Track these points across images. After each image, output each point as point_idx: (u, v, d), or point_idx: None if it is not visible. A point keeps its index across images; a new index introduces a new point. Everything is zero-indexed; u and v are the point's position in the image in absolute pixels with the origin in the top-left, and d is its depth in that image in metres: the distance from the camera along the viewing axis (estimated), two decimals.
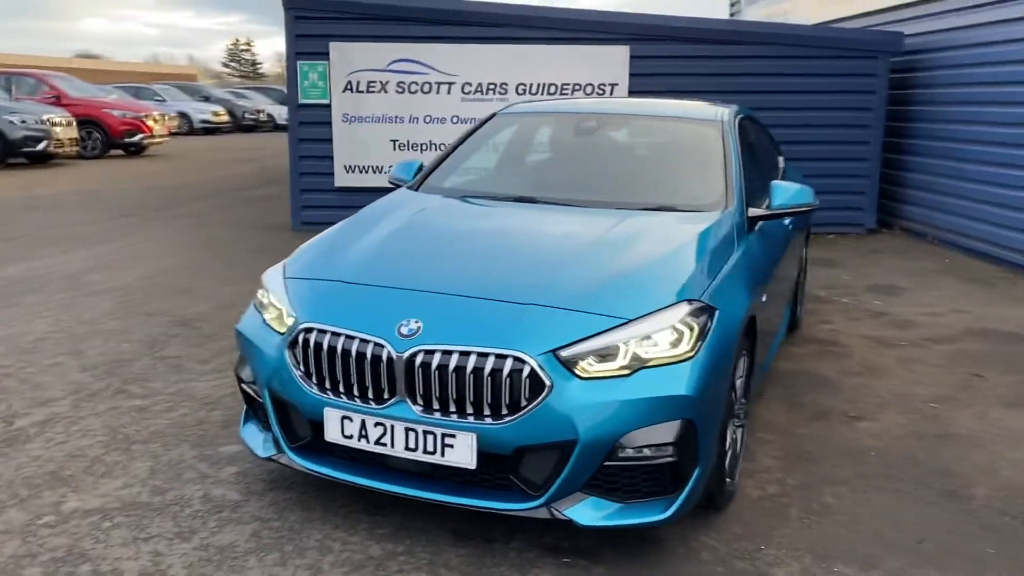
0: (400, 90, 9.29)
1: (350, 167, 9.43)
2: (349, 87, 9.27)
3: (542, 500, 2.75)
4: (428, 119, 9.34)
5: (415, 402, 2.80)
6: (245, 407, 3.45)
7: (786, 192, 3.90)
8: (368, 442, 2.88)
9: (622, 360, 2.75)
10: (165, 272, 7.25)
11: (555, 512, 2.76)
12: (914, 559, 2.95)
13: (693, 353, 2.81)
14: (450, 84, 9.29)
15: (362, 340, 2.87)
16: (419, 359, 2.78)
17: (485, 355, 2.73)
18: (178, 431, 3.95)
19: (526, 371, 2.69)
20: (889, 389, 4.69)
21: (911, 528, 3.17)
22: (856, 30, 9.72)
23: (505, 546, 2.97)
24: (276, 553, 2.92)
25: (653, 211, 3.74)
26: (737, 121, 4.41)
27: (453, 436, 2.75)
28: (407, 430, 2.81)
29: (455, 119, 9.33)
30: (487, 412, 2.73)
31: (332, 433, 2.93)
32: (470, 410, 2.75)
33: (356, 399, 2.89)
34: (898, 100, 9.69)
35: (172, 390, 4.48)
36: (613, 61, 9.27)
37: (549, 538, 3.02)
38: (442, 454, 2.78)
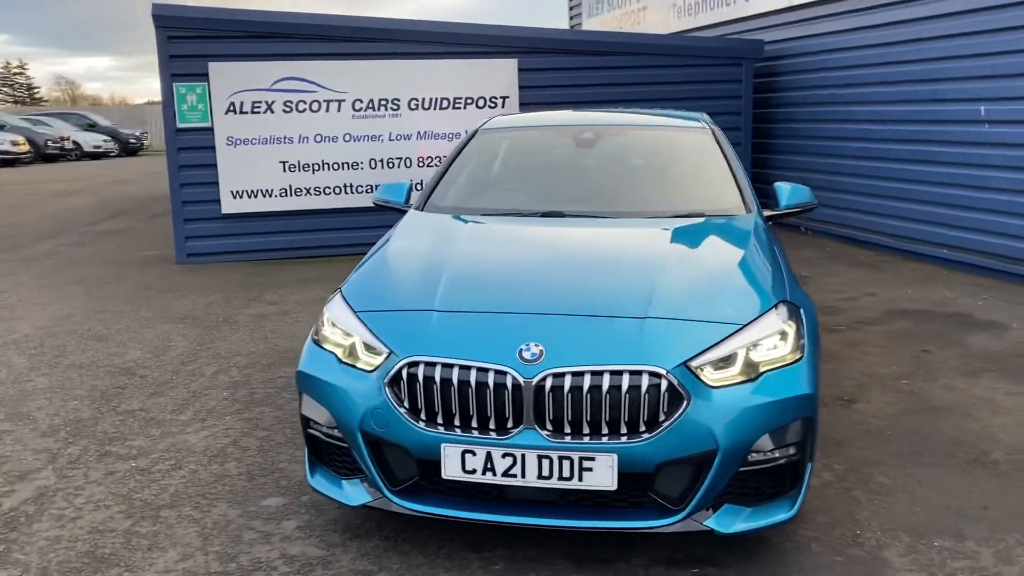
0: (287, 109, 8.91)
1: (238, 192, 8.94)
2: (232, 108, 8.79)
3: (684, 513, 2.75)
4: (319, 138, 9.03)
5: (544, 428, 2.72)
6: (308, 455, 3.21)
7: (791, 192, 4.11)
8: (495, 475, 2.76)
9: (738, 366, 2.80)
10: (67, 319, 6.57)
11: (696, 524, 2.77)
12: (992, 525, 3.19)
13: (802, 353, 2.91)
14: (340, 101, 9.02)
15: (480, 369, 2.75)
16: (548, 383, 2.70)
17: (618, 373, 2.70)
18: (201, 490, 3.60)
19: (663, 385, 2.69)
20: (858, 371, 5.03)
21: (968, 497, 3.43)
22: (723, 39, 10.35)
23: (628, 565, 2.94)
24: None
25: (684, 218, 3.83)
26: (716, 126, 4.60)
27: (592, 459, 2.70)
28: (540, 458, 2.72)
29: (347, 137, 9.08)
30: (623, 431, 2.70)
31: (451, 470, 2.79)
32: (605, 431, 2.70)
33: (476, 431, 2.76)
34: (762, 103, 10.38)
35: (163, 447, 4.08)
36: (502, 74, 9.36)
37: (664, 552, 3.02)
38: (580, 478, 2.72)
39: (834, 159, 9.29)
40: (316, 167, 9.07)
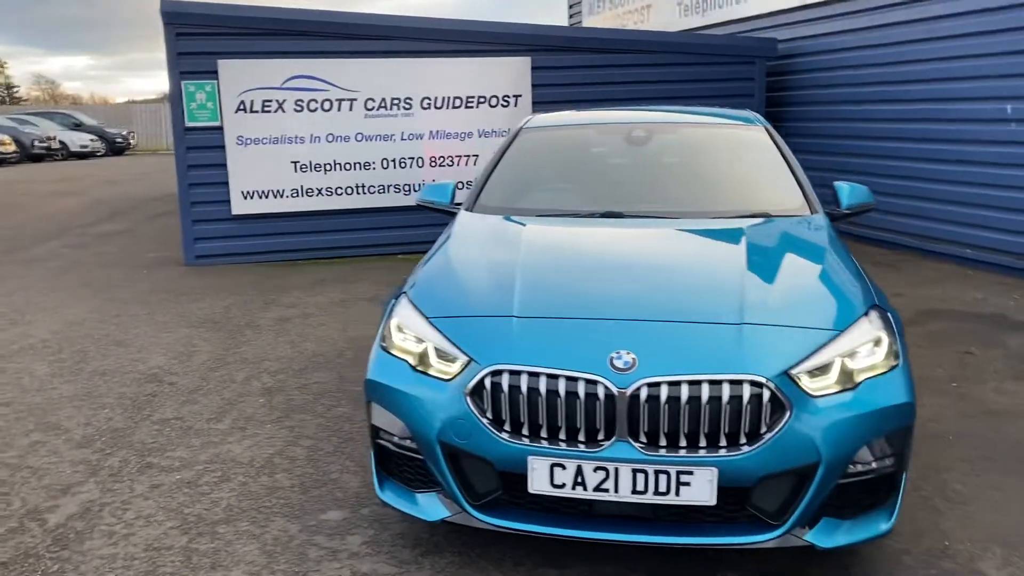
0: (299, 108, 8.74)
1: (248, 193, 8.76)
2: (242, 107, 8.61)
3: (785, 528, 2.64)
4: (331, 138, 8.86)
5: (637, 440, 2.60)
6: (376, 467, 3.07)
7: (852, 193, 4.01)
8: (586, 489, 2.64)
9: (836, 374, 2.69)
10: (82, 323, 6.39)
11: (795, 539, 2.65)
12: None
13: (897, 360, 2.80)
14: (352, 100, 8.87)
15: (569, 378, 2.63)
16: (644, 393, 2.58)
17: (717, 382, 2.58)
18: (255, 503, 3.46)
19: (766, 395, 2.57)
20: None
21: None
22: (736, 36, 10.26)
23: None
24: None
25: (748, 218, 3.72)
26: (769, 124, 4.50)
27: (690, 473, 2.58)
28: (635, 472, 2.59)
29: (359, 136, 8.92)
30: (722, 443, 2.58)
31: (539, 484, 2.66)
32: (702, 443, 2.59)
33: (564, 443, 2.64)
34: (775, 102, 10.31)
35: (206, 457, 3.93)
36: (515, 72, 9.23)
37: (752, 566, 2.91)
38: (676, 493, 2.60)
39: (849, 158, 9.23)
40: (328, 167, 8.91)
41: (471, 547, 3.06)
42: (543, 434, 2.66)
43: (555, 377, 2.64)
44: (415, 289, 3.23)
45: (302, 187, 8.88)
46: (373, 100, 8.91)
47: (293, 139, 8.78)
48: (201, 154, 8.64)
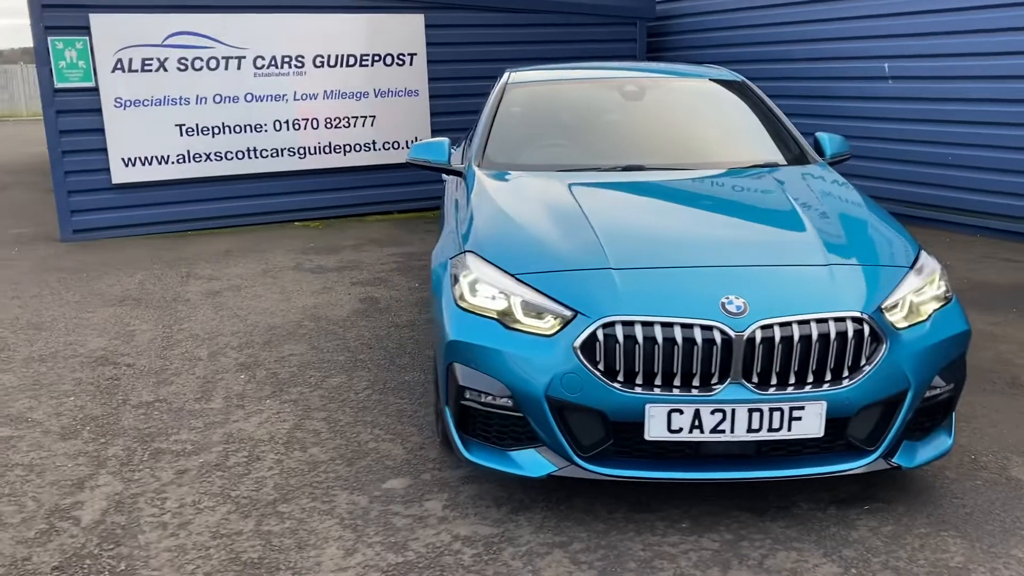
0: (183, 67, 8.14)
1: (130, 160, 8.09)
2: (120, 66, 7.91)
3: (879, 452, 2.83)
4: (218, 99, 8.33)
5: (750, 381, 2.70)
6: (456, 430, 3.00)
7: (830, 142, 4.27)
8: (703, 432, 2.72)
9: (909, 307, 2.91)
10: None
11: (885, 463, 2.86)
12: None
13: (951, 293, 3.06)
14: (240, 58, 8.35)
15: (684, 325, 2.69)
16: (758, 336, 2.68)
17: (823, 321, 2.72)
18: (304, 480, 3.29)
19: (866, 330, 2.74)
20: None
21: None
22: None
23: (803, 509, 3.00)
24: (633, 574, 2.65)
25: (764, 167, 3.88)
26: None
27: (802, 408, 2.71)
28: (751, 411, 2.70)
29: (249, 97, 8.44)
30: (827, 378, 2.73)
31: (656, 430, 2.72)
32: (809, 379, 2.72)
33: (678, 390, 2.70)
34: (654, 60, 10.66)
35: (218, 438, 3.68)
36: (409, 30, 9.01)
37: (826, 493, 3.10)
38: (789, 428, 2.73)
39: None
40: (216, 130, 8.37)
41: (556, 501, 3.07)
42: (657, 382, 2.70)
43: (670, 325, 2.69)
44: (483, 246, 3.14)
45: (189, 152, 8.31)
46: (263, 58, 8.43)
47: (177, 100, 8.18)
48: (74, 118, 7.87)
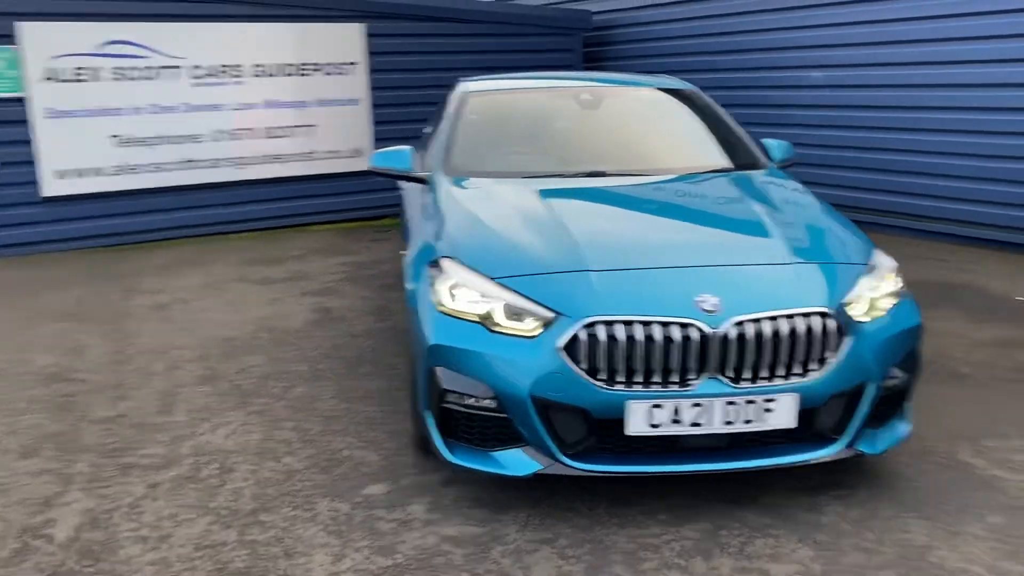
0: (117, 77, 7.96)
1: (62, 172, 7.87)
2: (51, 76, 7.69)
3: (846, 441, 2.98)
4: (155, 109, 8.16)
5: (725, 375, 2.82)
6: (439, 433, 3.05)
7: (780, 147, 4.46)
8: (682, 426, 2.82)
9: (869, 302, 3.07)
10: None
11: (850, 450, 3.01)
12: (1010, 426, 3.75)
13: (905, 288, 3.24)
14: (177, 68, 8.21)
15: (662, 324, 2.79)
16: (733, 332, 2.80)
17: (791, 316, 2.85)
18: (282, 489, 3.28)
19: (831, 325, 2.89)
20: None
21: (974, 407, 3.98)
22: (557, 8, 10.65)
23: (775, 498, 3.13)
24: (620, 565, 2.74)
25: (721, 172, 4.04)
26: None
27: (774, 400, 2.84)
28: (727, 404, 2.82)
29: (187, 107, 8.29)
30: (797, 371, 2.86)
31: (636, 426, 2.81)
32: (781, 372, 2.86)
33: (657, 386, 2.80)
34: (592, 69, 10.86)
35: (187, 451, 3.64)
36: (350, 39, 8.99)
37: (795, 482, 3.23)
38: (763, 420, 2.85)
39: None
40: (153, 141, 8.20)
41: (538, 500, 3.13)
42: (637, 379, 2.80)
43: (649, 324, 2.79)
44: (461, 251, 3.19)
45: (125, 163, 8.12)
46: (200, 67, 8.30)
47: (112, 111, 7.98)
48: (2, 130, 7.62)
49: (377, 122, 9.20)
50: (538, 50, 10.07)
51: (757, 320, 2.82)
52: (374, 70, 9.09)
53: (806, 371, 2.87)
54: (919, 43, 7.27)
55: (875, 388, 2.98)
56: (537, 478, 2.94)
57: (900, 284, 3.20)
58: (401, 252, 6.24)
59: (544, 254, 3.10)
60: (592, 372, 2.80)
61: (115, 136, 8.02)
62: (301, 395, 4.24)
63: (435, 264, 3.21)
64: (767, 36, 8.59)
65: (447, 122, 4.40)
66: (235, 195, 8.63)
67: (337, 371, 4.57)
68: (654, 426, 2.81)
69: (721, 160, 4.20)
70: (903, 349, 3.10)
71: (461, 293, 3.03)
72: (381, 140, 9.16)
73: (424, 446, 3.35)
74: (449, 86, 8.01)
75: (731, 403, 2.82)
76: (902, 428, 3.19)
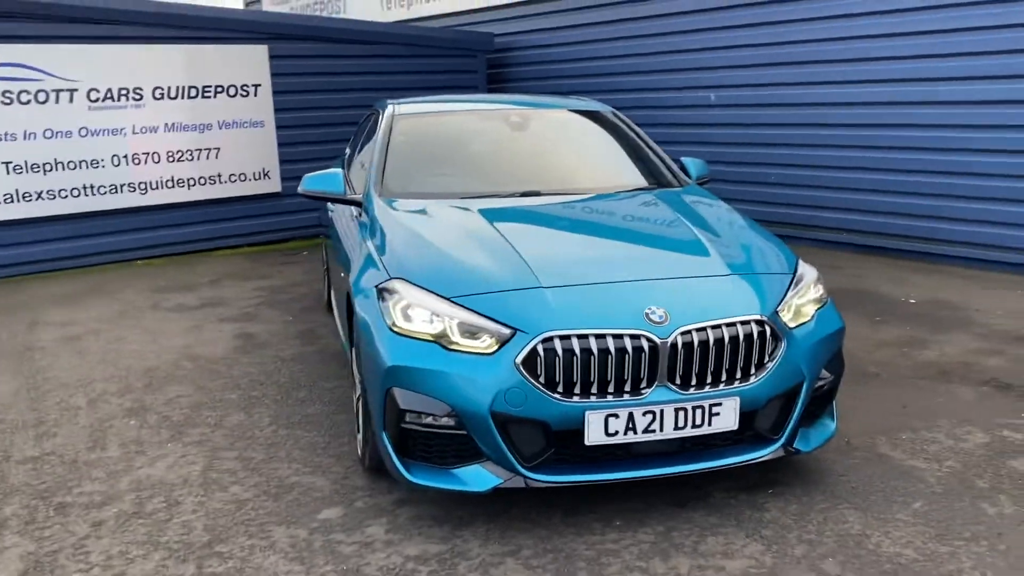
0: (7, 101, 7.62)
1: None
2: None
3: (783, 440, 3.18)
4: (49, 134, 7.84)
5: (674, 382, 2.97)
6: (395, 453, 3.08)
7: (696, 165, 4.68)
8: (636, 433, 2.95)
9: (792, 310, 3.28)
10: None
11: (787, 449, 3.20)
12: (920, 418, 4.06)
13: (827, 295, 3.47)
14: (72, 91, 7.92)
15: (615, 336, 2.92)
16: (680, 341, 2.95)
17: (732, 324, 3.03)
18: (234, 519, 3.24)
19: (768, 331, 3.08)
20: None
21: (888, 402, 4.28)
22: (459, 31, 10.75)
23: (719, 497, 3.30)
24: (585, 572, 2.83)
25: (647, 190, 4.22)
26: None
27: (719, 404, 3.00)
28: (677, 410, 2.96)
29: (84, 131, 8.01)
30: (738, 376, 3.04)
31: (595, 435, 2.92)
32: (723, 378, 3.02)
33: (611, 396, 2.92)
34: (495, 92, 11.03)
35: (126, 486, 3.54)
36: (253, 61, 8.88)
37: (732, 482, 3.41)
38: (709, 423, 3.01)
39: None
40: (48, 167, 7.88)
41: (495, 514, 3.20)
42: (593, 390, 2.91)
43: (603, 336, 2.91)
44: (411, 272, 3.24)
45: (17, 191, 7.77)
46: (97, 90, 8.03)
47: (3, 136, 7.63)
48: None
49: (282, 144, 9.10)
50: (443, 71, 10.17)
51: (702, 329, 2.98)
52: (278, 92, 9.00)
53: (746, 376, 3.04)
54: (822, 63, 7.71)
55: (808, 389, 3.18)
56: (493, 493, 3.00)
57: (822, 291, 3.43)
58: (325, 271, 6.21)
59: (495, 273, 3.19)
60: (550, 385, 2.90)
61: (6, 163, 7.67)
62: (238, 423, 4.17)
63: (385, 284, 3.24)
64: (662, 59, 8.94)
65: (378, 144, 4.43)
66: (139, 221, 8.37)
67: (272, 397, 4.51)
68: (611, 435, 2.93)
69: (646, 178, 4.38)
70: (830, 351, 3.32)
71: (415, 313, 3.08)
72: (287, 162, 9.08)
73: (377, 467, 3.37)
74: (357, 107, 8.14)
75: (680, 409, 2.96)
76: (831, 426, 3.41)
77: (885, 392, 4.39)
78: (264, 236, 9.06)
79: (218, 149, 8.75)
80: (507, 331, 2.94)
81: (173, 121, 8.48)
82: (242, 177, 8.93)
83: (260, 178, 9.03)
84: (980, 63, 6.62)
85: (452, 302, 3.05)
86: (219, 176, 8.80)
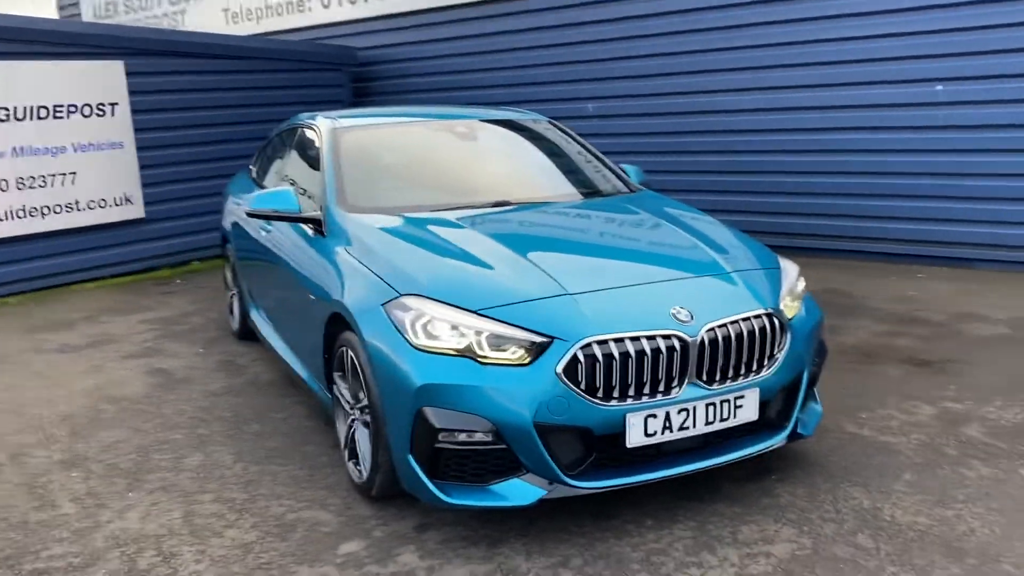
0: None
1: None
2: None
3: (791, 427, 3.33)
4: None
5: (701, 379, 3.05)
6: (425, 475, 2.97)
7: (635, 172, 4.82)
8: (672, 432, 3.00)
9: (787, 303, 3.45)
10: None
11: (794, 436, 3.36)
12: (876, 398, 4.36)
13: (804, 287, 3.68)
14: None
15: (649, 337, 2.95)
16: (707, 338, 3.03)
17: (748, 319, 3.15)
18: (249, 564, 3.00)
19: (777, 323, 3.22)
20: None
21: (854, 385, 4.57)
22: (323, 45, 10.45)
23: (732, 486, 3.40)
24: (644, 574, 2.83)
25: (613, 196, 4.31)
26: None
27: (743, 397, 3.11)
28: (707, 406, 3.04)
29: None
30: (754, 368, 3.16)
31: (635, 437, 2.94)
32: (743, 371, 3.13)
33: (647, 396, 2.96)
34: (362, 105, 10.81)
35: (102, 545, 3.19)
36: (109, 78, 8.23)
37: (737, 471, 3.52)
38: (734, 416, 3.11)
39: None
40: None
41: (523, 530, 3.13)
42: (631, 392, 2.93)
43: (638, 339, 2.94)
44: (425, 286, 3.12)
45: None
46: None
47: None
48: None
49: (145, 166, 8.50)
50: (308, 85, 9.90)
51: (724, 325, 3.07)
52: (138, 110, 8.40)
53: (760, 368, 3.16)
54: (732, 72, 8.08)
55: (809, 376, 3.35)
56: (509, 509, 2.96)
57: (804, 283, 3.62)
58: (232, 297, 5.85)
59: (516, 283, 3.13)
60: (591, 391, 2.89)
61: None
62: (200, 464, 3.86)
63: (395, 302, 3.11)
64: (530, 72, 9.14)
65: (326, 161, 4.19)
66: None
67: (224, 434, 4.21)
68: (649, 435, 2.96)
69: (603, 184, 4.45)
70: (817, 339, 3.51)
71: (437, 328, 2.98)
72: (151, 185, 8.52)
73: (384, 496, 3.25)
74: (225, 124, 7.95)
75: (710, 404, 3.04)
76: (818, 409, 3.60)
77: (824, 376, 4.65)
78: (130, 266, 8.42)
79: (74, 174, 8.04)
80: (542, 340, 2.90)
81: (21, 145, 7.70)
82: (102, 203, 8.26)
83: (122, 203, 8.38)
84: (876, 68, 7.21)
85: (478, 315, 2.97)
86: (76, 203, 8.08)
